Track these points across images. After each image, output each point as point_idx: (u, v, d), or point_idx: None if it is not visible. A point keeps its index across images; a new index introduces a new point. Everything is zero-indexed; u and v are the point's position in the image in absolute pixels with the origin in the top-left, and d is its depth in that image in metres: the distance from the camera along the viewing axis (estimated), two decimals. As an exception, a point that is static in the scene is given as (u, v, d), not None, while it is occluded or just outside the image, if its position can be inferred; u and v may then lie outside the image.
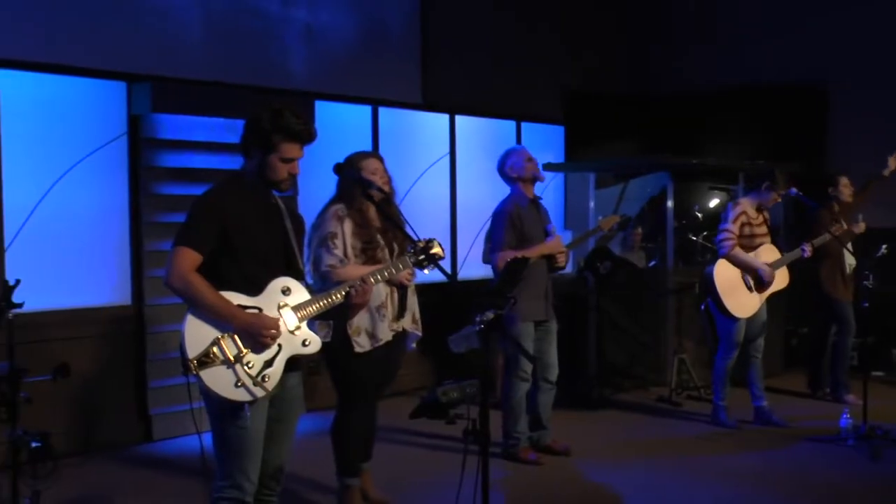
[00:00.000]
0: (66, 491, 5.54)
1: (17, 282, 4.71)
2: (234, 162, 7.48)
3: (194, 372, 3.64)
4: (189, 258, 3.72)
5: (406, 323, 5.28)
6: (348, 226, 5.09)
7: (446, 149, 9.52)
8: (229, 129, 7.44)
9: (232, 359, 3.68)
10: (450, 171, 9.54)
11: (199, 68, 7.28)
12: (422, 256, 4.13)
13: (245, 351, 3.71)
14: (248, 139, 3.93)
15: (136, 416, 7.13)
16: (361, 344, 5.07)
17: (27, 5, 6.40)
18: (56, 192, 6.73)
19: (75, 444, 6.62)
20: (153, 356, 7.15)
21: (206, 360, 3.65)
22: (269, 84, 7.60)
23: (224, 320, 3.70)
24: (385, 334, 5.13)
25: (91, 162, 6.91)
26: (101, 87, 6.94)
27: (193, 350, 3.65)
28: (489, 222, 6.58)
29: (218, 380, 3.67)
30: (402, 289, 5.23)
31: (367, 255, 5.07)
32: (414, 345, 5.46)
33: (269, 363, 3.75)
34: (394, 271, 4.24)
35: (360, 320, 5.03)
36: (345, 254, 5.03)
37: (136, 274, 7.15)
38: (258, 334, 3.71)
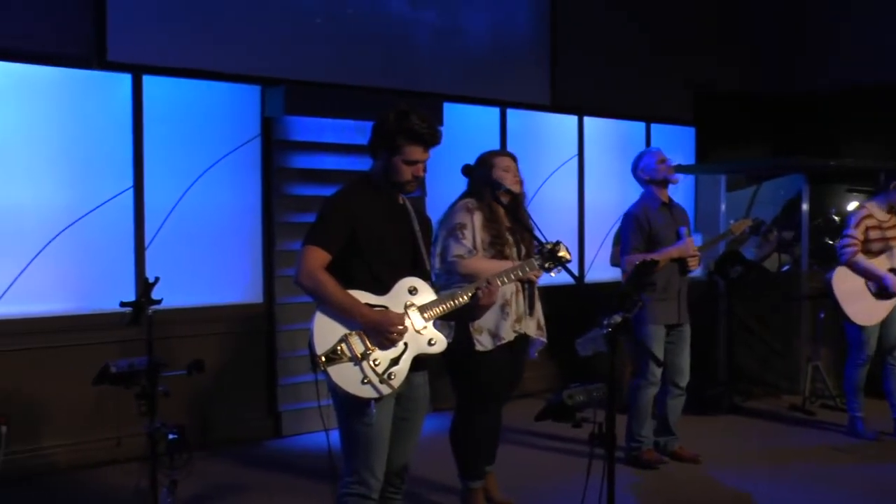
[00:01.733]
0: (199, 482, 5.71)
1: (157, 279, 4.86)
2: (363, 163, 7.63)
3: (322, 368, 3.71)
4: (318, 257, 3.80)
5: (531, 329, 5.23)
6: (478, 218, 5.07)
7: (574, 150, 9.46)
8: (359, 131, 7.56)
9: (359, 356, 3.74)
10: (578, 173, 9.48)
11: (331, 71, 7.41)
12: (548, 259, 4.12)
13: (372, 348, 3.76)
14: (374, 141, 3.99)
15: (266, 412, 7.31)
16: (483, 343, 5.06)
17: (168, 15, 6.62)
18: (193, 192, 6.96)
19: (208, 437, 6.82)
20: (283, 354, 7.31)
21: (333, 356, 3.72)
22: (398, 86, 7.69)
23: (351, 318, 3.76)
24: (508, 334, 5.10)
25: (226, 163, 7.12)
26: (237, 91, 7.14)
27: (322, 346, 3.73)
28: (618, 224, 6.51)
29: (345, 376, 3.73)
30: (529, 286, 5.20)
31: (496, 249, 5.05)
32: (536, 353, 5.41)
33: (395, 361, 3.80)
34: (520, 273, 4.24)
35: (483, 319, 5.02)
36: (473, 245, 5.02)
37: (267, 273, 7.33)
38: (385, 331, 3.76)
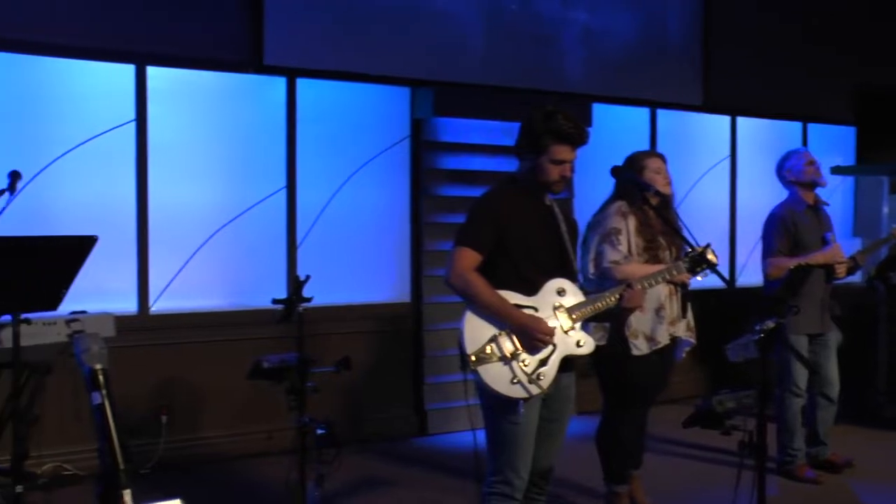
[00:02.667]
0: (346, 476, 5.81)
1: (307, 277, 4.97)
2: (509, 164, 7.59)
3: (472, 368, 3.72)
4: (469, 257, 3.82)
5: (680, 330, 5.15)
6: (633, 222, 5.01)
7: (727, 151, 9.24)
8: (506, 132, 7.55)
9: (508, 356, 3.75)
10: (730, 174, 9.25)
11: (479, 73, 7.45)
12: (696, 263, 4.05)
13: (521, 349, 3.76)
14: (521, 142, 3.99)
15: (413, 410, 7.40)
16: (639, 347, 5.00)
17: (321, 19, 6.77)
18: (343, 192, 7.10)
19: (354, 433, 6.94)
20: (430, 353, 7.38)
21: (483, 356, 3.74)
22: (546, 87, 7.66)
23: (501, 319, 3.77)
24: (663, 337, 5.03)
25: (376, 164, 7.24)
26: (387, 93, 7.25)
27: (472, 346, 3.75)
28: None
29: (495, 376, 3.74)
30: (683, 288, 5.11)
31: (650, 253, 4.99)
32: (684, 354, 5.31)
33: (543, 362, 3.79)
34: (668, 277, 4.18)
35: (640, 323, 4.96)
36: (628, 250, 4.97)
37: (415, 272, 7.41)
38: (532, 336, 3.76)
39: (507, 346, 3.76)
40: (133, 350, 5.88)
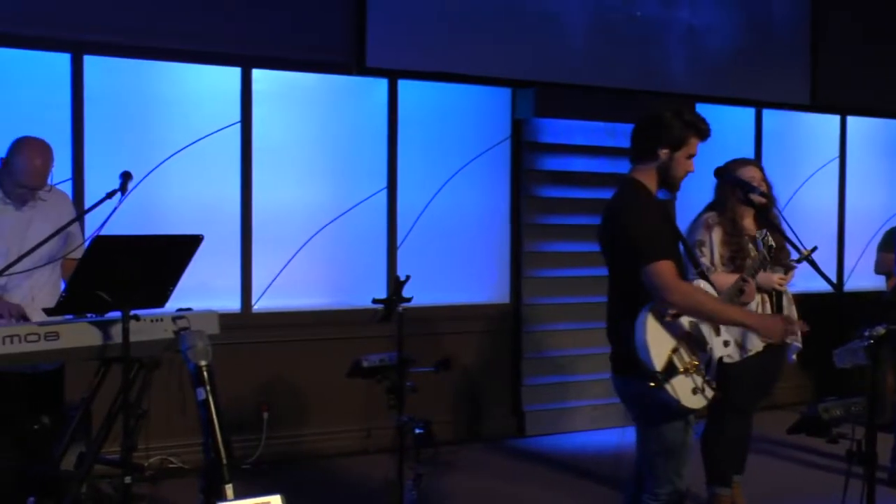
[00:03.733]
0: (444, 476, 5.84)
1: (407, 277, 5.00)
2: (611, 165, 7.61)
3: (662, 384, 3.59)
4: (671, 268, 3.66)
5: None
6: (717, 234, 5.01)
7: (835, 152, 8.99)
8: (608, 133, 7.51)
9: (688, 367, 3.65)
10: (839, 175, 9.00)
11: (580, 73, 7.39)
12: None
13: (695, 358, 3.69)
14: (653, 139, 3.86)
15: (510, 411, 7.38)
16: (731, 355, 4.91)
17: (423, 21, 6.81)
18: (443, 193, 7.13)
19: (452, 433, 6.96)
20: (528, 354, 7.36)
21: (670, 369, 3.61)
22: (649, 87, 7.56)
23: (734, 323, 3.73)
24: (755, 344, 4.94)
25: (476, 165, 7.25)
26: (487, 94, 7.26)
27: (658, 360, 3.61)
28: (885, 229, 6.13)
29: (679, 388, 3.63)
30: (776, 295, 5.02)
31: (736, 264, 4.93)
32: (794, 356, 5.21)
33: (707, 368, 3.73)
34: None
35: (728, 330, 4.88)
36: (711, 262, 4.96)
37: (514, 273, 7.40)
38: (781, 330, 3.76)
39: (686, 356, 3.67)
40: (236, 347, 6.00)
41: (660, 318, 3.64)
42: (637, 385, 3.68)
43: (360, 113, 6.88)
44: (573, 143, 7.53)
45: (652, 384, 3.58)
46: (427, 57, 6.86)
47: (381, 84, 6.87)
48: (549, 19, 7.26)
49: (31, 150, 4.34)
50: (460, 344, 7.05)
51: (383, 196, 6.91)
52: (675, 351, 3.64)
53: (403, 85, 6.92)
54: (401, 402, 4.90)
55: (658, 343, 3.62)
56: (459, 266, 7.23)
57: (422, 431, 4.91)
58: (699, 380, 3.65)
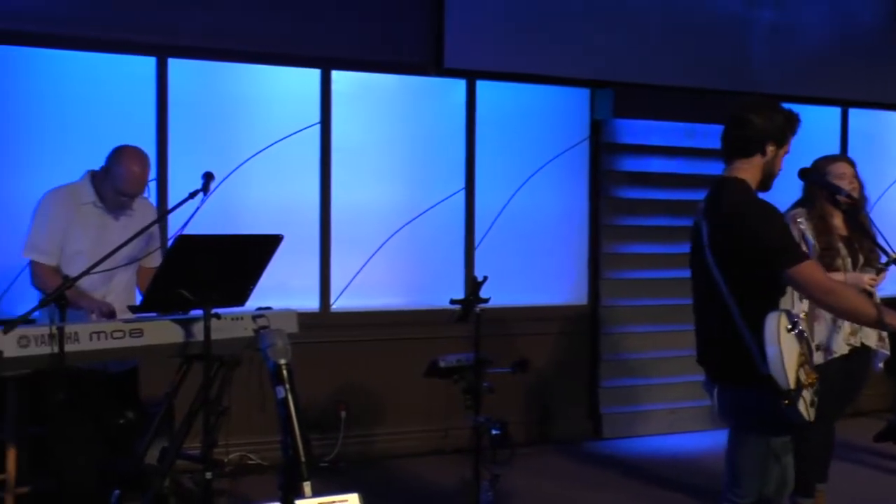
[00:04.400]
0: (520, 477, 5.82)
1: (485, 278, 4.99)
2: (690, 166, 7.52)
3: (795, 402, 3.43)
4: (817, 268, 3.56)
5: (871, 339, 4.93)
6: (807, 231, 4.90)
7: (926, 152, 8.76)
8: (687, 134, 7.42)
9: (811, 381, 3.52)
10: (928, 176, 8.76)
11: (661, 73, 7.31)
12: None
13: (814, 372, 3.56)
14: (761, 133, 3.68)
15: (587, 413, 7.33)
16: (815, 357, 4.81)
17: (500, 22, 6.79)
18: (521, 194, 7.11)
19: (528, 435, 6.94)
20: (606, 356, 7.31)
21: (798, 385, 3.43)
22: (730, 87, 7.44)
23: (874, 324, 3.55)
24: (840, 347, 4.85)
25: (554, 166, 7.21)
26: (566, 94, 7.22)
27: (791, 376, 3.42)
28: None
29: (803, 404, 3.49)
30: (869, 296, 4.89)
31: (824, 262, 4.80)
32: (881, 364, 5.08)
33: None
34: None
35: (815, 332, 4.79)
36: None
37: (592, 275, 7.35)
38: None
39: (807, 370, 3.52)
40: (314, 346, 6.05)
41: (788, 329, 3.46)
42: (756, 398, 3.50)
43: (439, 113, 6.90)
44: (652, 143, 7.45)
45: (786, 402, 3.39)
46: (505, 57, 6.85)
47: (460, 85, 6.88)
48: (628, 19, 7.19)
49: (129, 158, 4.44)
50: (537, 345, 7.02)
51: (461, 197, 6.92)
52: (801, 366, 3.46)
53: (482, 85, 6.92)
54: (477, 403, 4.90)
55: (790, 357, 3.43)
56: (537, 267, 7.21)
57: (498, 432, 4.89)
58: (811, 393, 3.50)
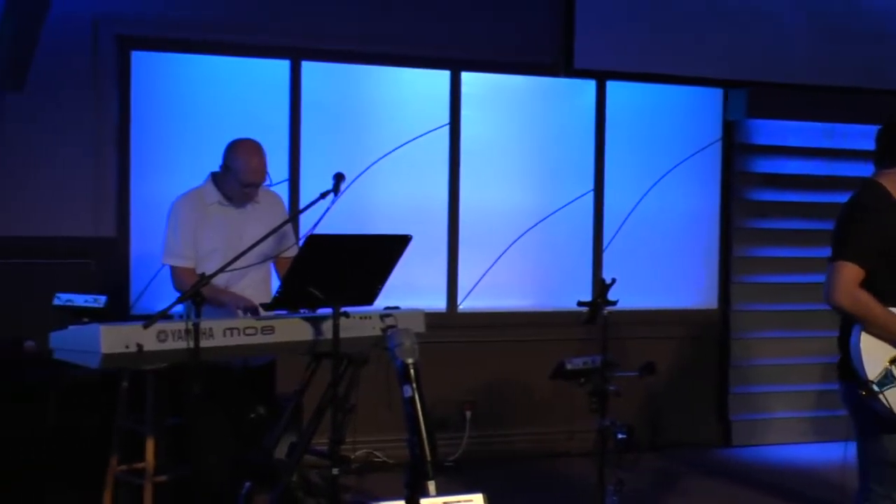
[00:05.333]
0: (645, 483, 5.76)
1: (613, 280, 4.95)
2: (828, 168, 7.29)
3: (874, 393, 3.47)
4: (853, 273, 3.54)
5: None
6: None
7: None
8: (825, 134, 7.20)
9: None
10: None
11: (797, 71, 7.09)
12: None
13: None
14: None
15: (716, 420, 7.19)
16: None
17: (631, 21, 6.72)
18: (651, 196, 7.02)
19: (654, 439, 6.84)
20: (736, 362, 7.16)
21: (884, 380, 3.48)
22: (871, 85, 7.18)
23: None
24: None
25: (685, 167, 7.10)
26: (698, 95, 7.09)
27: (872, 370, 3.49)
28: None
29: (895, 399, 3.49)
30: None
31: None
32: None
33: None
34: None
35: None
36: None
37: (723, 278, 7.20)
38: None
39: None
40: (441, 346, 6.09)
41: None
42: (853, 393, 3.55)
43: (568, 114, 6.87)
44: (787, 144, 7.26)
45: (863, 392, 3.46)
46: (635, 57, 6.77)
47: (589, 85, 6.83)
48: (762, 16, 7.01)
49: (246, 150, 4.53)
50: (664, 349, 6.91)
51: (590, 198, 6.88)
52: (894, 361, 3.47)
53: (611, 86, 6.86)
54: (603, 406, 4.85)
55: (874, 350, 3.48)
56: (666, 270, 7.10)
57: (624, 436, 4.85)
58: None
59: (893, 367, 3.46)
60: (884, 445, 3.59)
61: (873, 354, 3.48)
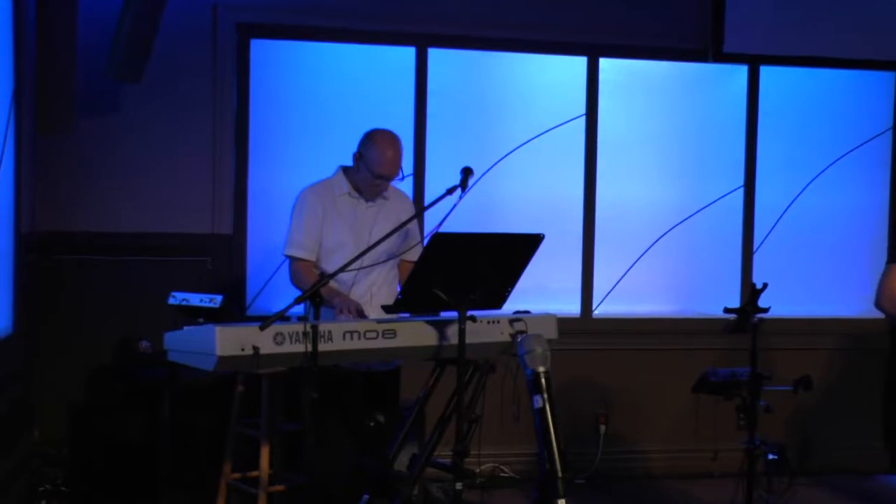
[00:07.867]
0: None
1: (764, 285, 4.88)
2: None
3: None
4: None
5: None
6: None
7: None
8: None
9: None
10: None
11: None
12: None
13: None
14: None
15: (882, 443, 6.97)
16: None
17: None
18: (809, 192, 6.87)
19: (809, 462, 6.68)
20: (907, 377, 6.95)
21: None
22: None
23: None
24: None
25: (848, 160, 6.92)
26: (864, 79, 6.91)
27: None
28: None
29: None
30: None
31: None
32: None
33: None
34: None
35: None
36: None
37: (890, 285, 6.99)
38: None
39: None
40: (574, 354, 6.08)
41: None
42: None
43: (716, 103, 6.77)
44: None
45: None
46: (793, 39, 6.63)
47: (740, 71, 6.72)
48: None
49: (382, 141, 4.61)
50: (822, 362, 6.75)
51: (739, 195, 6.77)
52: None
53: (765, 71, 6.73)
54: (752, 423, 4.78)
55: None
56: (824, 274, 6.94)
57: (775, 457, 4.78)
58: None
59: None
60: None
61: None
